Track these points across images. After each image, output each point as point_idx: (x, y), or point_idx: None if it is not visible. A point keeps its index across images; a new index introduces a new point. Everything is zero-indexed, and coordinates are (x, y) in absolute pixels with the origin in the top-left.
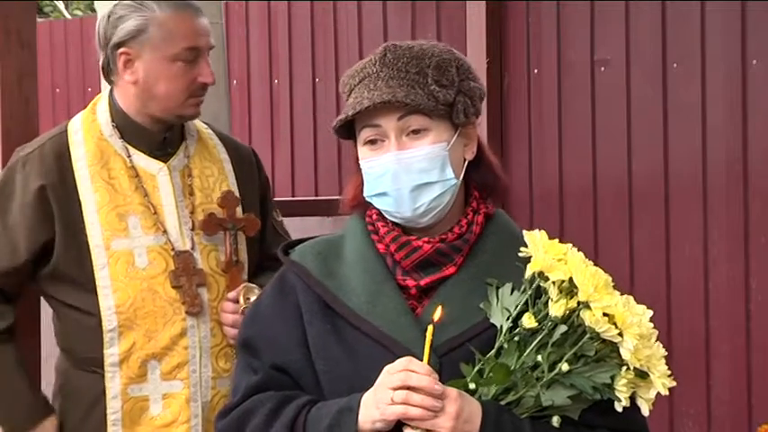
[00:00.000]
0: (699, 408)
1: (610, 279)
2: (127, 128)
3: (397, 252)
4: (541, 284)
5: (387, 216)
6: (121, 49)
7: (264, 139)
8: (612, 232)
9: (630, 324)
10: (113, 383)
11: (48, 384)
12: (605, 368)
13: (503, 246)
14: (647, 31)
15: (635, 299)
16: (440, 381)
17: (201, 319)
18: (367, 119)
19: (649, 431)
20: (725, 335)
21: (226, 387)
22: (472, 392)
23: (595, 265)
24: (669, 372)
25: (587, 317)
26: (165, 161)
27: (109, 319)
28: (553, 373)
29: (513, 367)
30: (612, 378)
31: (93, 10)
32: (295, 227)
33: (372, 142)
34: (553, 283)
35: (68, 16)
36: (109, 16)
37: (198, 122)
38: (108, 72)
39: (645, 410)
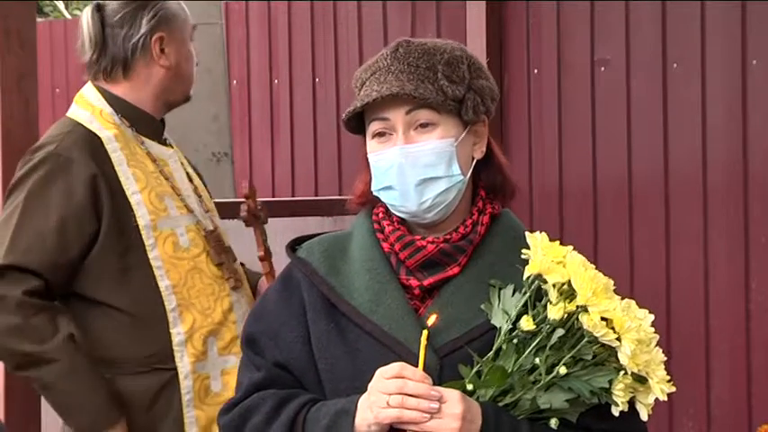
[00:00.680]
0: (698, 407)
1: (611, 283)
2: (132, 117)
3: (402, 251)
4: (541, 286)
5: (393, 211)
6: (157, 35)
7: (264, 140)
8: (612, 232)
9: (628, 329)
10: (183, 363)
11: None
12: (603, 372)
13: (507, 247)
14: (647, 32)
15: (635, 299)
16: (440, 382)
17: (241, 293)
18: (376, 112)
19: None
20: (725, 335)
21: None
22: (470, 394)
23: (595, 265)
24: (668, 377)
25: (585, 321)
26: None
27: (168, 299)
28: (551, 376)
29: (510, 369)
30: (610, 382)
31: None
32: (295, 227)
33: (380, 135)
34: (552, 285)
35: (68, 16)
36: (108, 16)
37: None
38: (124, 66)
39: (644, 415)
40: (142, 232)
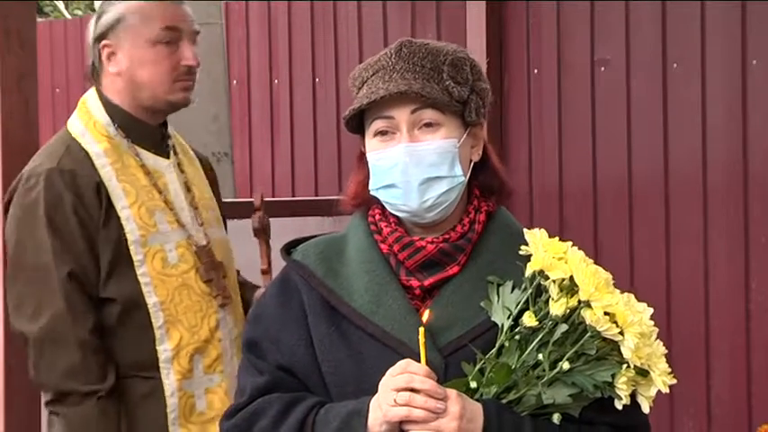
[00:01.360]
0: (699, 407)
1: (610, 277)
2: (129, 126)
3: (401, 252)
4: (542, 283)
5: (391, 210)
6: (103, 42)
7: (264, 140)
8: (612, 232)
9: (631, 323)
10: (169, 380)
11: None
12: (606, 366)
13: (504, 244)
14: (647, 32)
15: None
16: (445, 381)
17: (229, 310)
18: (379, 110)
19: (650, 427)
20: (725, 334)
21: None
22: (474, 391)
23: (595, 264)
24: (669, 369)
25: (588, 316)
26: (166, 157)
27: (156, 316)
28: (554, 372)
29: (514, 366)
30: (613, 376)
31: (93, 10)
32: (295, 227)
33: (383, 133)
34: (554, 281)
35: (68, 16)
36: (97, 14)
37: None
38: (96, 71)
39: (645, 408)
40: (131, 248)
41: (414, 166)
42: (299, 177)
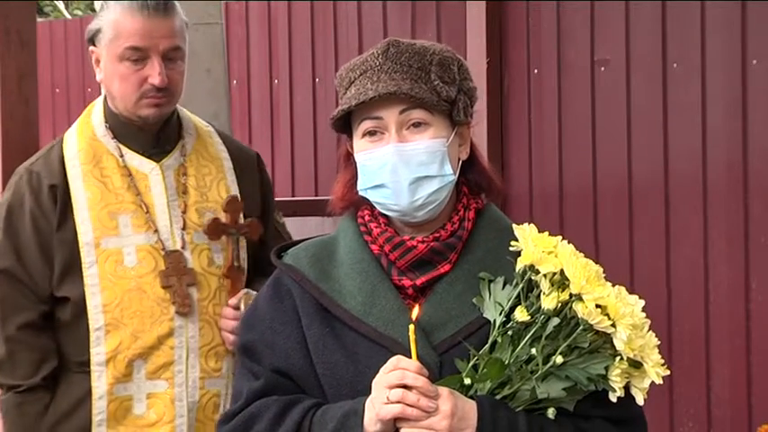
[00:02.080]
0: (699, 408)
1: (601, 270)
2: (119, 128)
3: (392, 252)
4: (533, 278)
5: (381, 210)
6: (90, 49)
7: (264, 139)
8: (612, 232)
9: (623, 315)
10: (100, 383)
11: None
12: (599, 359)
13: (494, 240)
14: (647, 32)
15: None
16: (440, 379)
17: (190, 318)
18: (368, 111)
19: (645, 419)
20: (725, 335)
21: (216, 387)
22: (468, 388)
23: (596, 264)
24: (663, 361)
25: (580, 309)
26: (158, 160)
27: (96, 318)
28: (547, 366)
29: (507, 361)
30: (606, 369)
31: (93, 10)
32: (295, 227)
33: (372, 134)
34: (544, 275)
35: (68, 16)
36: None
37: (199, 121)
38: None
39: (639, 400)
40: (82, 250)
41: (403, 166)
42: (299, 177)
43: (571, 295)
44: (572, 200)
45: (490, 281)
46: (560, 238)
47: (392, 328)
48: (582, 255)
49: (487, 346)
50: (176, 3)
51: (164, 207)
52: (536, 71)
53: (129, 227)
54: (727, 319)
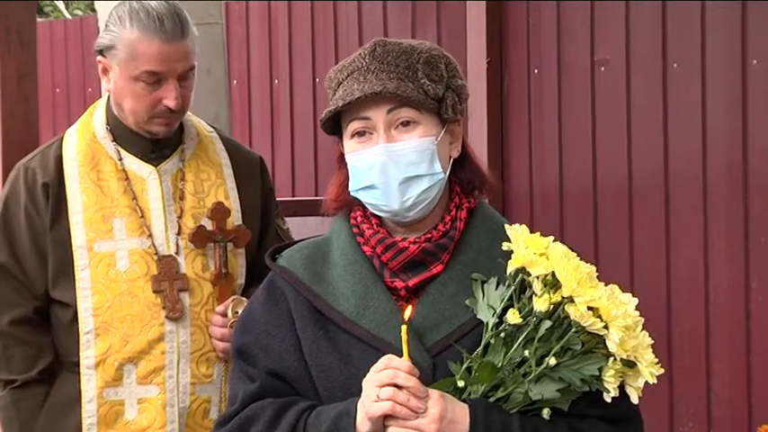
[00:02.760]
0: (699, 408)
1: (593, 271)
2: (119, 131)
3: (384, 254)
4: (525, 279)
5: (373, 210)
6: (99, 58)
7: (265, 140)
8: (612, 232)
9: (615, 316)
10: (89, 386)
11: None
12: (592, 360)
13: (488, 239)
14: (647, 32)
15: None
16: (434, 381)
17: (181, 324)
18: (356, 111)
19: (641, 417)
20: (725, 335)
21: (207, 393)
22: (462, 391)
23: (596, 265)
24: (656, 360)
25: (572, 311)
26: (157, 164)
27: (86, 321)
28: (541, 368)
29: (500, 364)
30: (600, 370)
31: (94, 10)
32: (295, 227)
33: (360, 134)
34: (537, 277)
35: (68, 16)
36: (105, 21)
37: (202, 125)
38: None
39: (634, 398)
40: (75, 252)
41: (392, 166)
42: (300, 177)
43: (563, 297)
44: (572, 200)
45: (483, 281)
46: (552, 238)
47: (385, 331)
48: (575, 255)
49: (480, 348)
50: (188, 17)
51: (159, 212)
52: (536, 71)
53: (123, 231)
54: (727, 319)
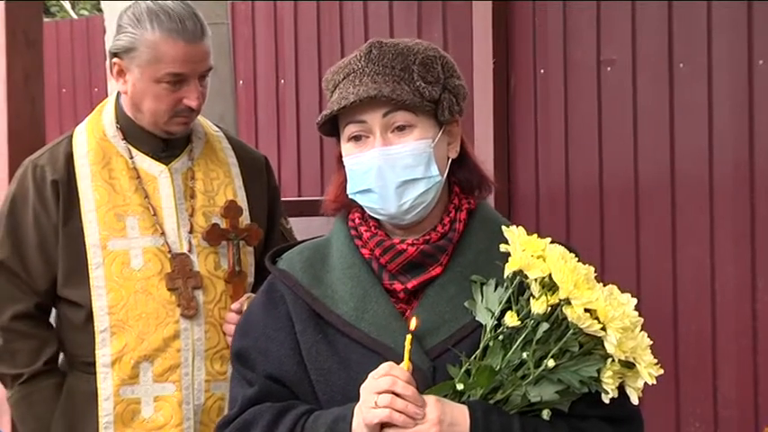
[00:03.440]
0: (705, 408)
1: (592, 271)
2: (129, 130)
3: (382, 256)
4: (524, 281)
5: (370, 213)
6: (114, 60)
7: (271, 139)
8: (619, 232)
9: (613, 318)
10: (106, 384)
11: None
12: (591, 362)
13: (487, 240)
14: (653, 31)
15: (641, 298)
16: (433, 385)
17: (196, 321)
18: (352, 115)
19: (642, 417)
20: (731, 335)
21: (221, 390)
22: (461, 394)
23: (602, 265)
24: (655, 361)
25: (569, 313)
26: (167, 163)
27: (101, 320)
28: (539, 370)
29: (498, 367)
30: (599, 371)
31: (100, 10)
32: (301, 227)
33: (357, 138)
34: (535, 280)
35: (75, 16)
36: (118, 22)
37: (208, 125)
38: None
39: (634, 399)
40: (89, 250)
41: (389, 170)
42: (305, 177)
43: (560, 299)
44: (578, 200)
45: (482, 283)
46: (549, 240)
47: (384, 334)
48: (574, 256)
49: (479, 351)
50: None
51: (171, 210)
52: (542, 71)
53: (136, 229)
54: (733, 319)
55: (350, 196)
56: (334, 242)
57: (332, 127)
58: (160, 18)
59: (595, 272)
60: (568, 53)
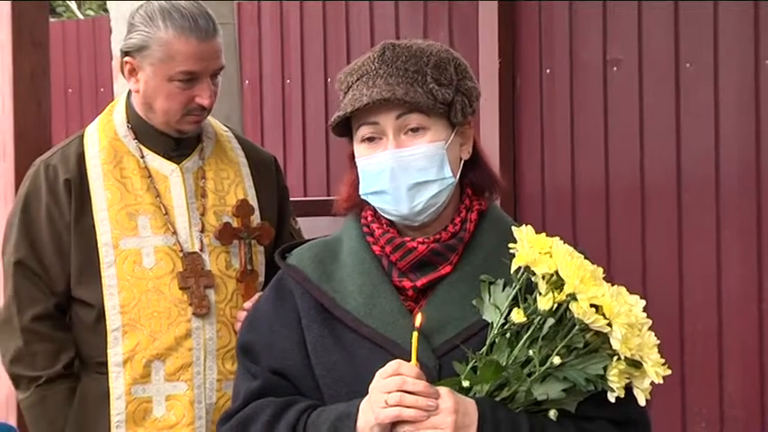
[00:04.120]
0: (711, 408)
1: (599, 271)
2: (141, 129)
3: (393, 253)
4: (531, 279)
5: (382, 214)
6: (126, 59)
7: (276, 139)
8: (625, 232)
9: (618, 313)
10: (117, 383)
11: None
12: (597, 359)
13: (497, 241)
14: (659, 31)
15: (648, 299)
16: (440, 381)
17: (207, 320)
18: (365, 116)
19: (649, 420)
20: (737, 334)
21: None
22: (467, 390)
23: (608, 265)
24: (663, 360)
25: (575, 308)
26: (178, 162)
27: (113, 319)
28: (545, 367)
29: (504, 363)
30: (605, 369)
31: (106, 10)
32: (307, 227)
33: (370, 140)
34: (542, 277)
35: (81, 16)
36: (129, 21)
37: (218, 125)
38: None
39: (642, 400)
40: (101, 250)
41: (402, 172)
42: (311, 177)
43: (567, 295)
44: (584, 200)
45: (491, 283)
46: (557, 238)
47: (392, 330)
48: (581, 255)
49: (485, 347)
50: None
51: (183, 209)
52: (548, 71)
53: (147, 228)
54: (739, 318)
55: (362, 197)
56: (345, 239)
57: (344, 127)
58: (173, 16)
59: (603, 273)
60: (574, 53)
